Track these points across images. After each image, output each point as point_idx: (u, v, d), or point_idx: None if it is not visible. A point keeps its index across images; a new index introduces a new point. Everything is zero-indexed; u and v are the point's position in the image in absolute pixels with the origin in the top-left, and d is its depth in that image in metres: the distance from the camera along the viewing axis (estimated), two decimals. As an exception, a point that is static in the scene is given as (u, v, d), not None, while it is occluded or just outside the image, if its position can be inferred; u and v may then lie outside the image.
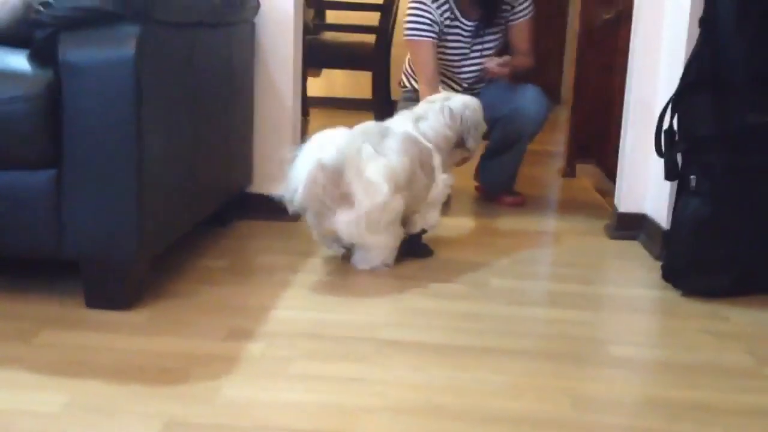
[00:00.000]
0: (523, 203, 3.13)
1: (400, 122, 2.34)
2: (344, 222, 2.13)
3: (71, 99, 1.78)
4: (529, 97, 2.98)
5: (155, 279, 2.04)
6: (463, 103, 2.43)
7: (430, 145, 2.32)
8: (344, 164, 2.08)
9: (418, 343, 1.79)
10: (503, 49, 3.10)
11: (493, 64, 2.99)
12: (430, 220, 2.36)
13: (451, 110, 2.38)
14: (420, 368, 1.66)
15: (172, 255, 2.22)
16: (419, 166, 2.26)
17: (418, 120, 2.36)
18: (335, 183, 2.08)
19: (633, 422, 1.50)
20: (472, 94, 2.98)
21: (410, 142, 2.26)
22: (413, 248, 2.36)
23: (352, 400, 1.51)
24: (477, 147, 2.51)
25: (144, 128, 1.80)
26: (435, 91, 2.73)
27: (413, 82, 3.08)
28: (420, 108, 2.42)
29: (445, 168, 2.38)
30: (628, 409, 1.55)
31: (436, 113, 2.38)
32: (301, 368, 1.63)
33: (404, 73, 3.18)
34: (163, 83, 1.91)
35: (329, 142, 2.09)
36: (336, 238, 2.23)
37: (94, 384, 1.51)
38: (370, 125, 2.28)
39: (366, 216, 2.12)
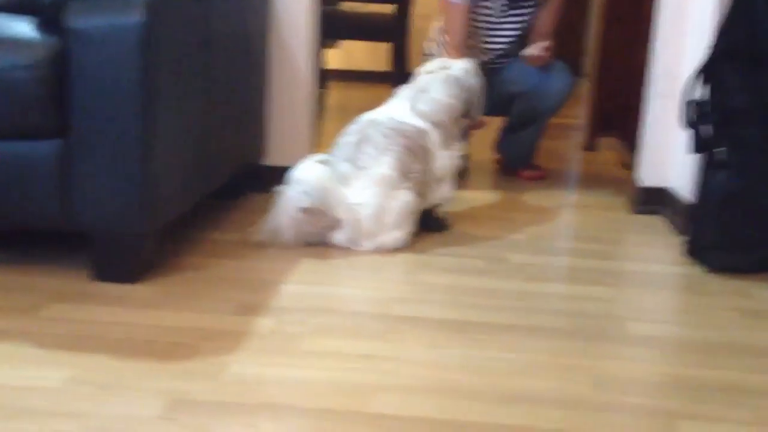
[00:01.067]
0: (544, 177, 3.06)
1: (393, 105, 2.27)
2: (343, 240, 2.12)
3: (78, 67, 1.72)
4: (555, 74, 2.91)
5: (165, 252, 2.00)
6: (465, 70, 2.34)
7: (422, 125, 2.22)
8: (324, 200, 2.06)
9: (433, 320, 1.74)
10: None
11: (536, 50, 2.91)
12: (443, 194, 2.30)
13: (456, 79, 2.30)
14: (434, 345, 1.61)
15: (183, 228, 2.18)
16: (408, 154, 2.16)
17: (418, 95, 2.27)
18: (321, 218, 2.08)
19: (656, 402, 1.44)
20: (495, 68, 2.91)
21: (393, 133, 2.16)
22: (428, 223, 2.30)
23: (363, 378, 1.46)
24: (480, 114, 2.42)
25: (153, 97, 1.75)
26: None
27: (439, 49, 3.00)
28: (422, 80, 2.33)
29: (451, 140, 2.29)
30: (652, 389, 1.49)
31: (441, 83, 2.28)
32: (312, 344, 1.58)
33: (431, 40, 3.10)
34: (173, 51, 1.85)
35: (305, 183, 2.04)
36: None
37: (100, 359, 1.48)
38: (353, 126, 2.21)
39: (364, 229, 2.11)
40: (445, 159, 2.26)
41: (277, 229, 2.10)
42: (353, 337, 1.63)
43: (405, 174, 2.15)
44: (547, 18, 3.02)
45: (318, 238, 2.11)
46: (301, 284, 1.90)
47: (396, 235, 2.14)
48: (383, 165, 2.13)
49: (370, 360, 1.53)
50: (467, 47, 2.89)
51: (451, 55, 2.79)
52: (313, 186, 2.05)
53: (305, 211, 2.05)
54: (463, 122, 2.39)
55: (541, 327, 1.73)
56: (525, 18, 2.97)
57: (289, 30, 2.60)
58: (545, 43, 2.94)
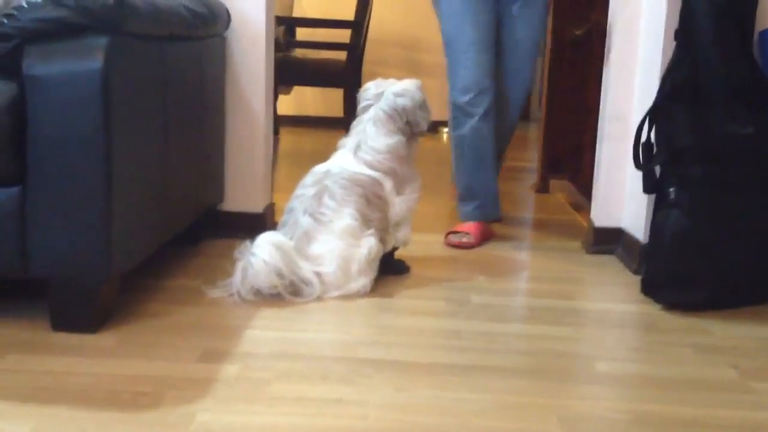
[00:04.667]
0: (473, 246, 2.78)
1: (341, 157, 2.25)
2: (311, 295, 2.10)
3: (36, 113, 1.71)
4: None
5: (125, 300, 1.96)
6: (394, 95, 2.26)
7: (374, 174, 2.21)
8: (291, 260, 2.07)
9: (398, 362, 1.74)
10: None
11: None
12: (401, 238, 2.30)
13: (384, 112, 2.25)
14: (401, 388, 1.61)
15: (143, 275, 2.15)
16: (366, 204, 2.17)
17: (359, 144, 2.24)
18: (291, 276, 2.07)
19: (622, 440, 1.46)
20: None
21: (350, 184, 2.16)
22: (388, 265, 2.31)
23: (332, 423, 1.45)
24: (427, 126, 2.31)
25: (112, 144, 1.74)
26: None
27: None
28: (354, 130, 2.29)
29: (404, 182, 2.27)
30: (616, 426, 1.51)
31: (374, 126, 2.24)
32: (279, 390, 1.57)
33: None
34: (131, 97, 1.85)
35: (271, 247, 2.04)
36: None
37: (62, 410, 1.44)
38: (308, 178, 2.22)
39: (331, 282, 2.12)
40: (400, 204, 2.25)
41: (240, 293, 2.07)
42: (320, 381, 1.62)
43: (366, 221, 2.16)
44: None
45: (284, 296, 2.09)
46: (266, 330, 1.88)
47: (362, 282, 2.14)
48: (345, 217, 2.13)
49: (337, 404, 1.52)
50: None
51: None
52: (279, 248, 2.04)
53: (278, 273, 2.04)
54: (415, 141, 2.32)
55: (505, 367, 1.74)
56: None
57: (245, 76, 2.61)
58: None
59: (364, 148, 2.23)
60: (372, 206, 2.18)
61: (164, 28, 2.02)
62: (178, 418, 1.43)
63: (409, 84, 2.30)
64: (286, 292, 2.07)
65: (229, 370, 1.64)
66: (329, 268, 2.10)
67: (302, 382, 1.61)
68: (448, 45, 2.80)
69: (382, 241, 2.22)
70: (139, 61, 1.91)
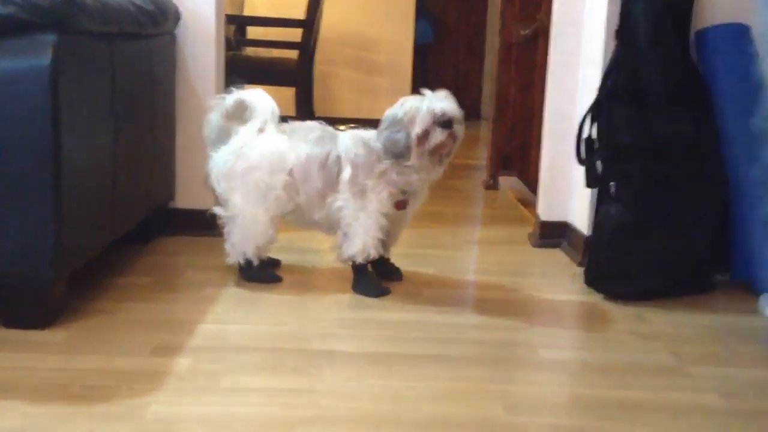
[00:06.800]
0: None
1: None
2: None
3: (-16, 110, 1.70)
4: None
5: (76, 297, 1.96)
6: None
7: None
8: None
9: (350, 353, 1.77)
10: None
11: None
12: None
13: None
14: (353, 378, 1.65)
15: (93, 273, 2.15)
16: None
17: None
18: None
19: (564, 422, 1.52)
20: None
21: None
22: (381, 269, 2.29)
23: (284, 413, 1.48)
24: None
25: (61, 140, 1.74)
26: None
27: None
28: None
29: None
30: (559, 410, 1.57)
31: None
32: (231, 382, 1.59)
33: None
34: (81, 94, 1.85)
35: None
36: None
37: (14, 405, 1.44)
38: None
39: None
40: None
41: None
42: (272, 372, 1.65)
43: None
44: None
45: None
46: (218, 323, 1.90)
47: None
48: None
49: (289, 394, 1.55)
50: None
51: None
52: None
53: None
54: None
55: (454, 356, 1.79)
56: None
57: (195, 74, 2.62)
58: None
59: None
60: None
61: (113, 26, 2.03)
62: (131, 410, 1.45)
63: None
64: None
65: (182, 363, 1.66)
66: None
67: (254, 374, 1.64)
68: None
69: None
70: (88, 59, 1.91)
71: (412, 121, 2.03)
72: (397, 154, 2.06)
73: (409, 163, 2.07)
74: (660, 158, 2.20)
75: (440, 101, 2.05)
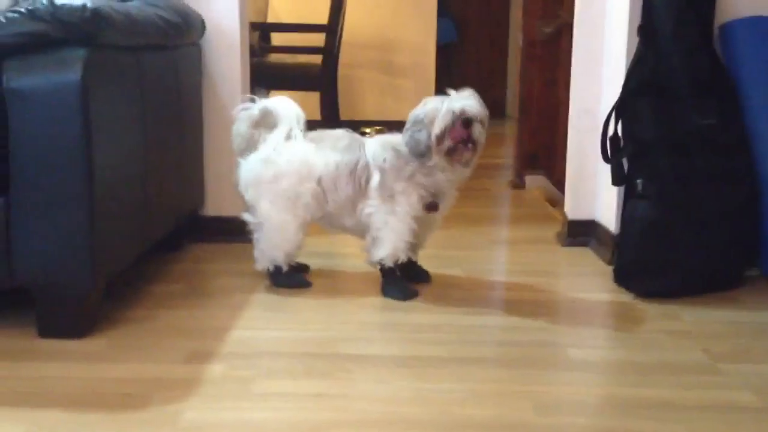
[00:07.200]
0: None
1: None
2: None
3: (18, 125, 1.75)
4: None
5: (110, 306, 2.00)
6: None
7: None
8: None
9: (379, 356, 1.79)
10: None
11: None
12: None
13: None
14: (382, 381, 1.66)
15: (128, 282, 2.19)
16: None
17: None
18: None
19: (595, 422, 1.52)
20: None
21: None
22: (411, 271, 2.28)
23: (316, 416, 1.50)
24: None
25: (94, 152, 1.78)
26: None
27: None
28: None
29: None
30: (590, 410, 1.57)
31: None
32: (263, 387, 1.62)
33: None
34: (111, 107, 1.89)
35: None
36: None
37: (52, 414, 1.48)
38: None
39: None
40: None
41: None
42: (303, 377, 1.67)
43: None
44: None
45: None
46: (249, 330, 1.93)
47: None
48: None
49: (321, 399, 1.57)
50: None
51: None
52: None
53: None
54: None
55: (483, 358, 1.80)
56: None
57: (222, 83, 2.65)
58: None
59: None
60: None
61: (140, 39, 2.06)
62: (166, 417, 1.48)
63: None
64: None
65: (215, 369, 1.69)
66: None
67: (286, 379, 1.66)
68: None
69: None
70: (117, 72, 1.95)
71: (432, 120, 2.04)
72: (420, 153, 2.07)
73: (431, 163, 2.08)
74: (686, 153, 2.19)
75: (461, 100, 2.05)
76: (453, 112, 2.03)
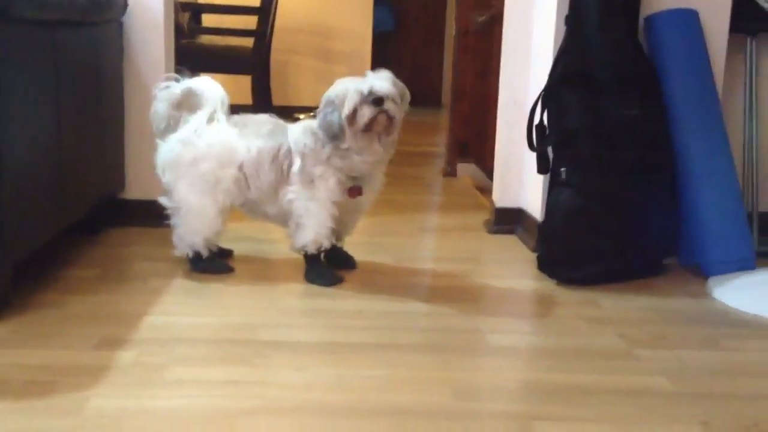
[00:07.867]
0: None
1: None
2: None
3: None
4: None
5: (19, 290, 1.92)
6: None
7: None
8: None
9: (300, 343, 1.76)
10: None
11: None
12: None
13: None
14: (301, 367, 1.63)
15: (39, 264, 2.11)
16: None
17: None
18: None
19: (513, 406, 1.52)
20: None
21: None
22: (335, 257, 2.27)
23: (230, 404, 1.46)
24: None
25: (2, 128, 1.69)
26: None
27: None
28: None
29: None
30: (508, 394, 1.57)
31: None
32: (176, 374, 1.57)
33: None
34: (22, 82, 1.81)
35: None
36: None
37: (-51, 402, 1.41)
38: None
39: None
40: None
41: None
42: (219, 364, 1.63)
43: None
44: None
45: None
46: (164, 315, 1.88)
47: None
48: None
49: (235, 386, 1.54)
50: None
51: None
52: None
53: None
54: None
55: (404, 344, 1.78)
56: None
57: (144, 62, 2.57)
58: None
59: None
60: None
61: (55, 14, 1.98)
62: (71, 404, 1.42)
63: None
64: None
65: (126, 356, 1.63)
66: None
67: (200, 366, 1.62)
68: None
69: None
70: (29, 48, 1.86)
71: (343, 101, 2.01)
72: (333, 135, 2.04)
73: (345, 146, 2.05)
74: (610, 143, 2.21)
75: (372, 80, 2.02)
76: (361, 93, 2.00)
